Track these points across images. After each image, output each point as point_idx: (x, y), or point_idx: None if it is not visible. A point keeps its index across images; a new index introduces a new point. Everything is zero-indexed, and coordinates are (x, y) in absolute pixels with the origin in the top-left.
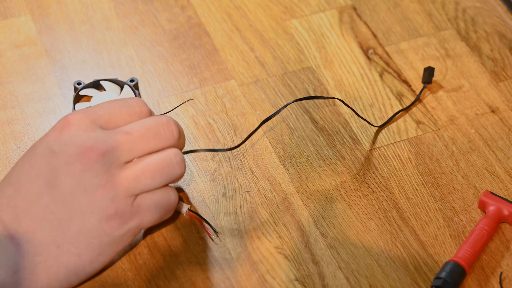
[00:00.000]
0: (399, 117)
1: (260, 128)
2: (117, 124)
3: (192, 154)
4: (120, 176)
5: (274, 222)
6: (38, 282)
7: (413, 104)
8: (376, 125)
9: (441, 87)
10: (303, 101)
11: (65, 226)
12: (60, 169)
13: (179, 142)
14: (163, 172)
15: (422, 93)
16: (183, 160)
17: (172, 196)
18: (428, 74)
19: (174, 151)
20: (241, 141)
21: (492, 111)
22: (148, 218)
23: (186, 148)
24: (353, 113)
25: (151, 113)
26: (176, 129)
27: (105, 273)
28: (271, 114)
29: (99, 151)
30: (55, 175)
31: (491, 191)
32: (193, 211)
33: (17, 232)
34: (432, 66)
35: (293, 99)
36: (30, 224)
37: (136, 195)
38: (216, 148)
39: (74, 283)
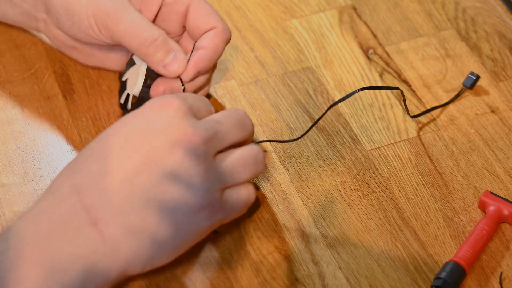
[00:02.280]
0: (400, 117)
1: (260, 128)
2: (203, 116)
3: None
4: (216, 167)
5: (274, 222)
6: (115, 267)
7: (450, 102)
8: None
9: (441, 87)
10: (303, 101)
11: (153, 211)
12: (161, 149)
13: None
14: (251, 168)
15: (422, 93)
16: (264, 156)
17: (253, 193)
18: (474, 80)
19: (257, 148)
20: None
21: (492, 111)
22: (231, 214)
23: None
24: (353, 113)
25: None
26: (252, 123)
27: None
28: (271, 114)
29: (202, 138)
30: (155, 154)
31: (491, 191)
32: None
33: (102, 217)
34: (434, 66)
35: (292, 99)
36: (116, 208)
37: (225, 189)
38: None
39: (148, 269)
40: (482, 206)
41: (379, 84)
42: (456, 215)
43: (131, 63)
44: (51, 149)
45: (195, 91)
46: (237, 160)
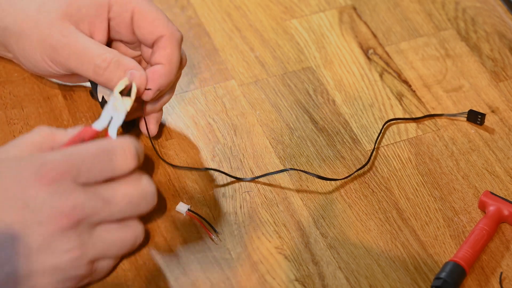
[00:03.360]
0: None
1: (260, 128)
2: (99, 180)
3: (192, 153)
4: (90, 243)
5: (274, 222)
6: None
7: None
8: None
9: (441, 87)
10: (303, 101)
11: (21, 282)
12: (31, 226)
13: None
14: (128, 245)
15: (422, 93)
16: (144, 234)
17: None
18: (480, 118)
19: (141, 229)
20: (241, 141)
21: (492, 111)
22: (97, 278)
23: (188, 155)
24: (353, 113)
25: (138, 161)
26: (155, 200)
27: None
28: (271, 114)
29: (75, 218)
30: (24, 230)
31: (491, 191)
32: (193, 211)
33: None
34: (433, 67)
35: (292, 99)
36: None
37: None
38: (216, 147)
39: None
40: (482, 206)
41: (379, 84)
42: (456, 215)
43: None
44: None
45: (160, 105)
46: (114, 241)
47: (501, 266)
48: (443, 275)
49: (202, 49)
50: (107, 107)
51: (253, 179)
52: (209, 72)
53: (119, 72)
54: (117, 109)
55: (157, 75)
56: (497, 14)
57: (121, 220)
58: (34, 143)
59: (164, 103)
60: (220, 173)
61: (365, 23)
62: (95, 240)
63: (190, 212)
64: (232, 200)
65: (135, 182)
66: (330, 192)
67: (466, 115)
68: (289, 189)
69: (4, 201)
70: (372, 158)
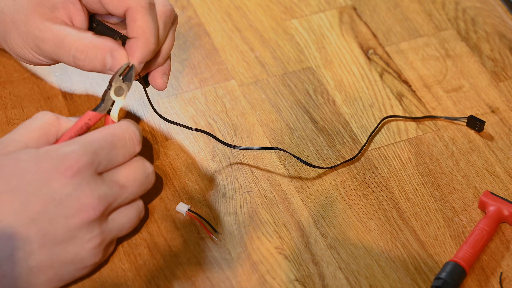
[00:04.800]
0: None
1: (260, 128)
2: (114, 165)
3: (192, 153)
4: (107, 229)
5: (274, 222)
6: None
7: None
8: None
9: (441, 87)
10: (303, 101)
11: (43, 274)
12: (57, 219)
13: None
14: (134, 224)
15: (422, 93)
16: (141, 215)
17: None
18: (479, 124)
19: (141, 206)
20: (241, 141)
21: (492, 111)
22: (106, 257)
23: (190, 154)
24: (353, 113)
25: (141, 142)
26: (154, 180)
27: (105, 273)
28: (271, 114)
29: (101, 209)
30: (50, 224)
31: (491, 191)
32: (193, 211)
33: None
34: (434, 67)
35: (292, 99)
36: (7, 271)
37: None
38: (216, 147)
39: None
40: (482, 206)
41: (379, 84)
42: (456, 215)
43: None
44: None
45: (163, 56)
46: (127, 222)
47: (501, 266)
48: (443, 275)
49: (202, 49)
50: (110, 92)
51: (244, 148)
52: (209, 72)
53: (99, 55)
54: (119, 93)
55: (133, 50)
56: (497, 14)
57: (130, 202)
58: (40, 130)
59: (166, 55)
60: (219, 174)
61: (365, 23)
62: (112, 225)
63: (190, 212)
64: (232, 200)
65: (139, 164)
66: (330, 192)
67: (466, 120)
68: (289, 189)
69: (29, 195)
70: (362, 152)
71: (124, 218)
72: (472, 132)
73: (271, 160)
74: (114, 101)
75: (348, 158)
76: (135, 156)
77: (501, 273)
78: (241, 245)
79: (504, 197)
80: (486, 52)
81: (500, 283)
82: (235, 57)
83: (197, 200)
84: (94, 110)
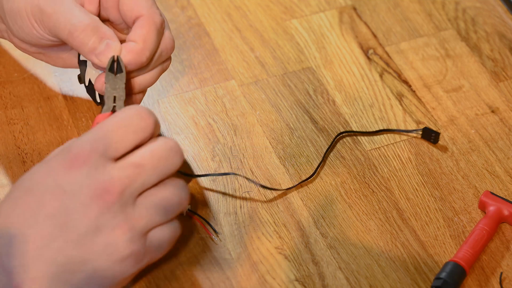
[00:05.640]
0: (400, 117)
1: (260, 128)
2: (126, 148)
3: (192, 153)
4: (135, 214)
5: (274, 222)
6: None
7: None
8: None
9: (441, 87)
10: (303, 101)
11: (78, 269)
12: (74, 210)
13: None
14: (174, 208)
15: (422, 93)
16: (189, 192)
17: (179, 229)
18: (434, 136)
19: (182, 185)
20: (241, 141)
21: (492, 111)
22: (158, 255)
23: (192, 154)
24: (353, 113)
25: (155, 121)
26: (182, 154)
27: None
28: (271, 114)
29: (116, 192)
30: (68, 216)
31: (491, 191)
32: (193, 211)
33: (24, 280)
34: (434, 67)
35: (292, 99)
36: (39, 271)
37: (148, 232)
38: (216, 147)
39: None
40: (482, 206)
41: (379, 84)
42: (456, 215)
43: None
44: (51, 149)
45: (139, 87)
46: (159, 202)
47: (501, 266)
48: (443, 275)
49: (202, 49)
50: (107, 88)
51: (195, 176)
52: (209, 72)
53: (95, 37)
54: (116, 87)
55: (127, 50)
56: (497, 14)
57: (159, 182)
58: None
59: (143, 87)
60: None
61: (365, 23)
62: (139, 209)
63: (190, 212)
64: (232, 200)
65: (155, 141)
66: (330, 192)
67: (421, 132)
68: (289, 189)
69: (42, 192)
70: (318, 170)
71: (153, 199)
72: (472, 132)
73: (271, 160)
74: (115, 96)
75: (346, 160)
76: (151, 136)
77: (501, 273)
78: (241, 245)
79: (504, 197)
80: (486, 52)
81: (500, 283)
82: (235, 57)
83: (197, 200)
84: (101, 112)
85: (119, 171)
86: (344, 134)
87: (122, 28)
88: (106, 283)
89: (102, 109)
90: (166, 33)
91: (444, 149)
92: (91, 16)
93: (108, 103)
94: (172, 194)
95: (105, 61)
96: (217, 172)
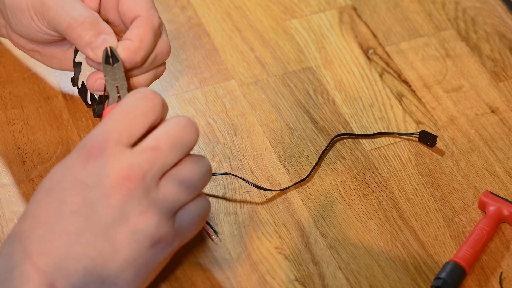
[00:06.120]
0: (400, 117)
1: (260, 128)
2: (139, 132)
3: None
4: (159, 198)
5: (274, 222)
6: None
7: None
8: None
9: (441, 87)
10: (303, 101)
11: (110, 260)
12: (98, 202)
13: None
14: (197, 184)
15: (422, 93)
16: (211, 168)
17: (207, 205)
18: (431, 139)
19: (202, 159)
20: (241, 141)
21: (492, 111)
22: (189, 235)
23: None
24: (353, 113)
25: (162, 100)
26: (197, 128)
27: None
28: (271, 114)
29: (137, 177)
30: (92, 209)
31: (491, 191)
32: None
33: (58, 278)
34: (433, 67)
35: (292, 99)
36: (71, 268)
37: (175, 213)
38: (216, 147)
39: None
40: (482, 206)
41: (379, 84)
42: (456, 215)
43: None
44: (51, 149)
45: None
46: (181, 182)
47: (501, 266)
48: (443, 275)
49: (202, 49)
50: (108, 81)
51: None
52: (209, 72)
53: (93, 32)
54: (115, 77)
55: (122, 48)
56: (497, 14)
57: (179, 161)
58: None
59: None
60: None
61: (365, 23)
62: (162, 191)
63: None
64: (232, 200)
65: (168, 121)
66: (330, 192)
67: (418, 135)
68: (289, 189)
69: (62, 191)
70: (313, 171)
71: (176, 178)
72: (472, 131)
73: (271, 160)
74: (117, 87)
75: (346, 160)
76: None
77: (501, 273)
78: (241, 245)
79: (504, 197)
80: (486, 52)
81: (500, 283)
82: (235, 57)
83: None
84: (108, 105)
85: (137, 156)
86: (340, 137)
87: (120, 29)
88: (141, 270)
89: (107, 103)
90: (163, 37)
91: (444, 149)
92: (90, 11)
93: (112, 95)
94: (193, 170)
95: (100, 55)
96: (217, 172)
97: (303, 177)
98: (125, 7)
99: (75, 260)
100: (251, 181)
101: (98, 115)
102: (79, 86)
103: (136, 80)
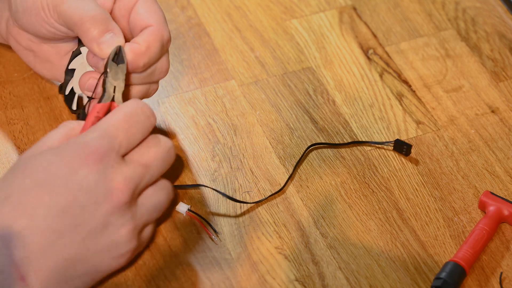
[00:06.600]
0: (400, 117)
1: (260, 128)
2: (133, 146)
3: (192, 153)
4: (138, 213)
5: (274, 222)
6: None
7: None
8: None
9: (441, 87)
10: (303, 101)
11: (80, 265)
12: (88, 207)
13: None
14: (164, 205)
15: (422, 93)
16: (173, 192)
17: (154, 229)
18: (406, 148)
19: (171, 186)
20: (241, 141)
21: (492, 111)
22: (142, 249)
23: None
24: (353, 113)
25: (155, 118)
26: (175, 155)
27: None
28: (271, 114)
29: (128, 191)
30: (80, 213)
31: (491, 191)
32: (193, 211)
33: (29, 273)
34: (433, 67)
35: (292, 99)
36: (43, 265)
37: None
38: (216, 147)
39: None
40: (482, 206)
41: (379, 84)
42: (456, 215)
43: (77, 52)
44: None
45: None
46: (156, 203)
47: (501, 266)
48: (443, 275)
49: (202, 49)
50: (108, 78)
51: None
52: (209, 72)
53: (102, 27)
54: (116, 77)
55: (128, 49)
56: (497, 14)
57: (154, 182)
58: (64, 135)
59: (124, 99)
60: (219, 174)
61: (365, 23)
62: (141, 208)
63: (190, 212)
64: (232, 200)
65: (157, 140)
66: (330, 192)
67: (392, 144)
68: (289, 189)
69: (56, 186)
70: (289, 181)
71: (154, 200)
72: (472, 132)
73: (271, 160)
74: (115, 87)
75: (346, 160)
76: (152, 134)
77: (501, 273)
78: (241, 245)
79: (504, 197)
80: (486, 52)
81: (500, 283)
82: (235, 57)
83: (197, 200)
84: (99, 101)
85: (132, 170)
86: (315, 147)
87: (127, 39)
88: (99, 276)
89: (101, 97)
90: (166, 56)
91: (443, 149)
92: (103, 10)
93: (109, 92)
94: (164, 196)
95: (106, 51)
96: (215, 173)
97: (303, 177)
98: (137, 16)
99: (50, 258)
100: (251, 181)
101: (82, 118)
102: (66, 93)
103: (126, 90)
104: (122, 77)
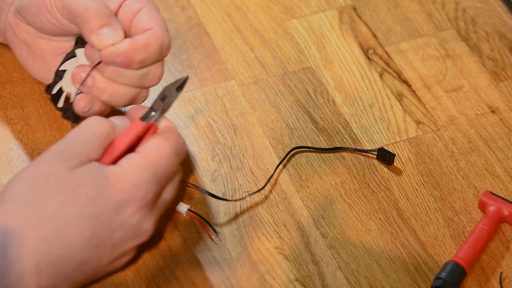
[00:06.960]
0: (400, 117)
1: (260, 128)
2: (168, 184)
3: (192, 153)
4: (144, 228)
5: (274, 222)
6: None
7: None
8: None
9: (441, 87)
10: (303, 101)
11: (79, 268)
12: (118, 245)
13: None
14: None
15: (422, 93)
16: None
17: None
18: (388, 157)
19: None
20: (241, 141)
21: (492, 111)
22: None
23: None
24: (353, 113)
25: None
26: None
27: None
28: (271, 114)
29: (151, 233)
30: (111, 250)
31: (491, 191)
32: (193, 211)
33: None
34: (433, 67)
35: (292, 99)
36: (61, 277)
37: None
38: (216, 147)
39: None
40: (482, 206)
41: (379, 84)
42: (456, 215)
43: (71, 55)
44: None
45: (108, 99)
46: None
47: (501, 266)
48: (443, 275)
49: (202, 49)
50: (163, 102)
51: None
52: (209, 72)
53: (105, 21)
54: (160, 106)
55: (127, 41)
56: (497, 14)
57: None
58: (101, 141)
59: (111, 100)
60: (219, 174)
61: (365, 23)
62: (148, 225)
63: (190, 212)
64: (232, 200)
65: (179, 176)
66: (330, 192)
67: (376, 153)
68: (289, 189)
69: (101, 223)
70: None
71: (157, 216)
72: (472, 131)
73: (271, 160)
74: (155, 111)
75: (346, 160)
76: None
77: (501, 273)
78: (241, 245)
79: (504, 197)
80: (486, 52)
81: (500, 283)
82: (235, 57)
83: (197, 200)
84: (143, 119)
85: (159, 211)
86: (297, 150)
87: None
88: (94, 277)
89: (145, 115)
90: (161, 63)
91: (443, 149)
92: (108, 7)
93: (155, 114)
94: (172, 194)
95: (104, 42)
96: (215, 173)
97: (303, 177)
98: (141, 20)
99: (68, 270)
100: (251, 181)
101: (67, 116)
102: (53, 93)
103: (116, 88)
104: (171, 103)
